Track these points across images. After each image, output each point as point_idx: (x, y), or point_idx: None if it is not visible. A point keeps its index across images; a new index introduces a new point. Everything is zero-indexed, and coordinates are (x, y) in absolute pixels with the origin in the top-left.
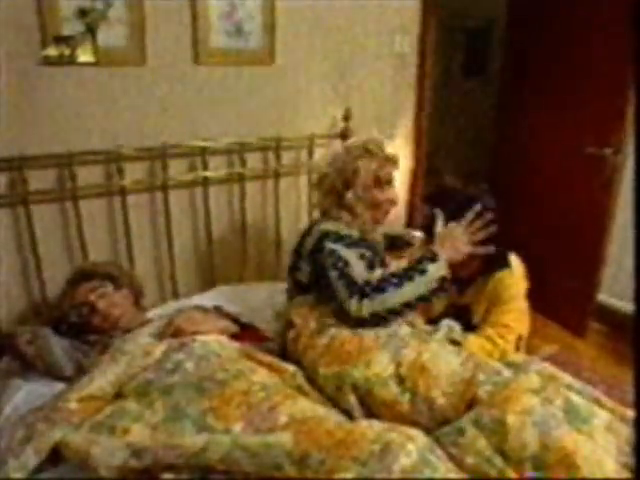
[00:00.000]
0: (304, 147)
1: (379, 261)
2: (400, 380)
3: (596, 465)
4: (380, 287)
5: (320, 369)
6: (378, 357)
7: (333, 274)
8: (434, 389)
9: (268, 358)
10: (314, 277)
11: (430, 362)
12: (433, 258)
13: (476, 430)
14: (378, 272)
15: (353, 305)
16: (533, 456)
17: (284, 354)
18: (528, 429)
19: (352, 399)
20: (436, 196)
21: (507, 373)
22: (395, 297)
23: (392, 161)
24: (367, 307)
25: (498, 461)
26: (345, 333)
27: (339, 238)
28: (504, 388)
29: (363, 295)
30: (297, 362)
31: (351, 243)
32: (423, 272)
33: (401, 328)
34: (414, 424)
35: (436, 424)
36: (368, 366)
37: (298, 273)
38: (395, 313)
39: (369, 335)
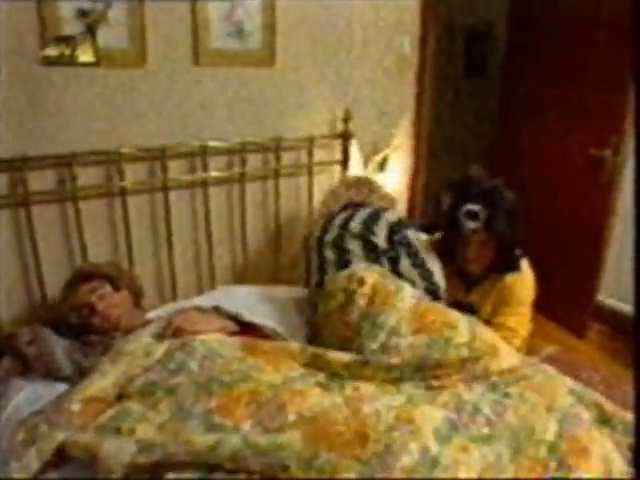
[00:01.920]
0: (304, 148)
1: None
2: (470, 348)
3: (606, 459)
4: None
5: (409, 336)
6: (459, 323)
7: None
8: (494, 365)
9: (270, 344)
10: (389, 245)
11: (500, 344)
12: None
13: (520, 401)
14: None
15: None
16: (550, 441)
17: (313, 334)
18: (551, 424)
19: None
20: (461, 183)
21: (548, 371)
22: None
23: None
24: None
25: (524, 434)
26: (425, 303)
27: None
28: (543, 384)
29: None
30: (369, 317)
31: None
32: None
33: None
34: (455, 386)
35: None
36: (451, 328)
37: (374, 238)
38: None
39: (446, 308)
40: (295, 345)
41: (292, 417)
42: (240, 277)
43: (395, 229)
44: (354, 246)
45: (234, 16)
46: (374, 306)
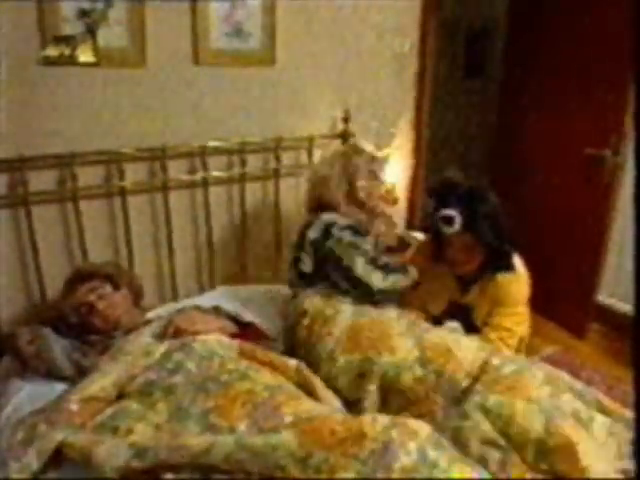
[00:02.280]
0: (304, 148)
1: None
2: (423, 362)
3: (595, 461)
4: (393, 268)
5: (341, 357)
6: (401, 343)
7: (351, 254)
8: (459, 372)
9: (268, 356)
10: (317, 266)
11: (454, 344)
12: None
13: (481, 414)
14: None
15: (376, 277)
16: (536, 439)
17: (291, 349)
18: (535, 415)
19: (372, 387)
20: (440, 188)
21: (521, 361)
22: (401, 281)
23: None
24: (389, 282)
25: (503, 443)
26: (363, 320)
27: (345, 227)
28: (517, 374)
29: (387, 271)
30: (310, 350)
31: (356, 232)
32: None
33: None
34: (431, 410)
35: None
36: (394, 352)
37: (301, 264)
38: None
39: (387, 322)
40: (292, 363)
41: (289, 418)
42: (240, 277)
43: (318, 244)
44: (293, 276)
45: (234, 16)
46: (312, 337)
